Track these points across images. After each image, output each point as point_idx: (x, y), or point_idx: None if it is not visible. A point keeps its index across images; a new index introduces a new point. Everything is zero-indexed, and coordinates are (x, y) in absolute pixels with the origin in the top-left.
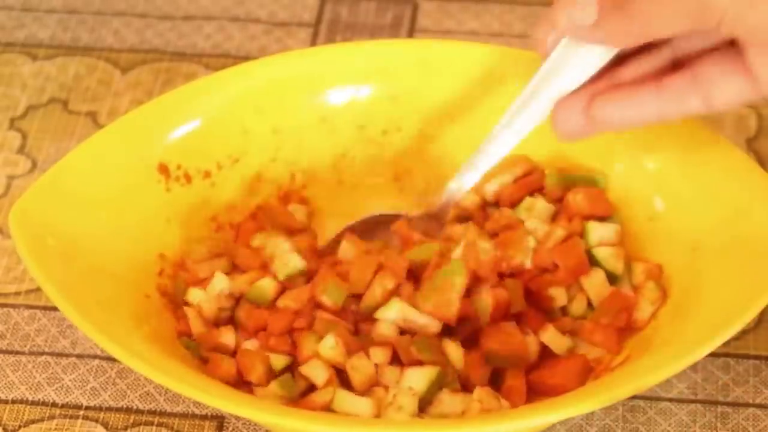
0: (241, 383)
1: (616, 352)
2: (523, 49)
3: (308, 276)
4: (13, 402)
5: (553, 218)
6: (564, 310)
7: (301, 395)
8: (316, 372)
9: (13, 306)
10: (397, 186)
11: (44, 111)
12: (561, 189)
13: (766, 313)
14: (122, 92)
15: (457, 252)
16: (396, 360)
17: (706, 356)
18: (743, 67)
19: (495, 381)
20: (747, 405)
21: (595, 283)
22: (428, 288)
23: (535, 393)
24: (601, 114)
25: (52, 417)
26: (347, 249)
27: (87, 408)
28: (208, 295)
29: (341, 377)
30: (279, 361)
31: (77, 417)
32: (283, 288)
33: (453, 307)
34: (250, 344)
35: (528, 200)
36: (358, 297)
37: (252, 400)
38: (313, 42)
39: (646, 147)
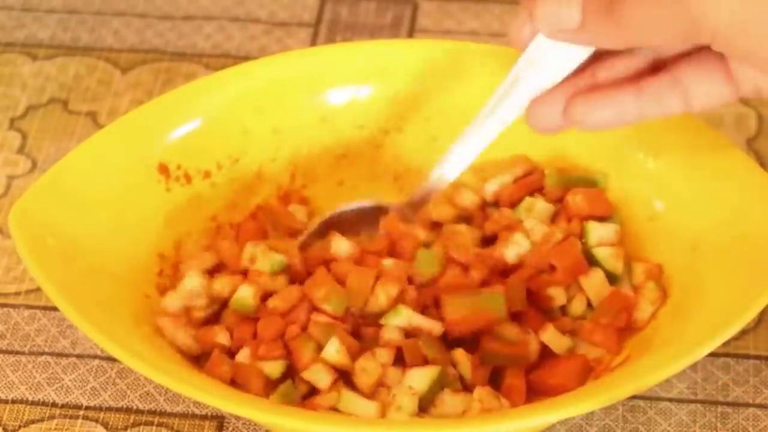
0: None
1: (616, 352)
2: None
3: (291, 275)
4: (13, 402)
5: (553, 219)
6: (563, 310)
7: (304, 397)
8: (318, 376)
9: (13, 306)
10: (396, 186)
11: (44, 111)
12: (561, 189)
13: (766, 313)
14: (122, 92)
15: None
16: (397, 361)
17: (706, 356)
18: (725, 70)
19: (495, 381)
20: (747, 405)
21: (594, 283)
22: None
23: (535, 393)
24: (580, 115)
25: (52, 417)
26: (340, 246)
27: (87, 408)
28: (179, 294)
29: (343, 378)
30: (275, 368)
31: (77, 417)
32: (265, 293)
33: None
34: (243, 355)
35: (528, 200)
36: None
37: (252, 400)
38: (313, 42)
39: (646, 147)
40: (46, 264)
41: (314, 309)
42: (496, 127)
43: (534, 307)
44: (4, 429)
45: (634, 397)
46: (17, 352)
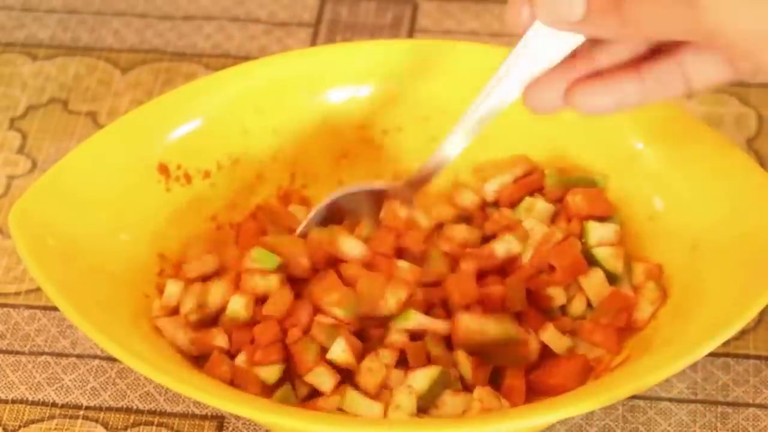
0: None
1: (616, 352)
2: None
3: (296, 271)
4: (13, 402)
5: (553, 219)
6: (563, 310)
7: (303, 401)
8: (321, 379)
9: (13, 306)
10: None
11: (44, 111)
12: (561, 189)
13: (766, 313)
14: (122, 92)
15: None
16: (400, 363)
17: (706, 356)
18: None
19: (495, 381)
20: (747, 405)
21: (594, 283)
22: None
23: (535, 393)
24: (582, 102)
25: (52, 417)
26: (350, 247)
27: (87, 408)
28: (163, 302)
29: (345, 381)
30: (271, 373)
31: (77, 417)
32: (258, 297)
33: None
34: (241, 360)
35: (528, 200)
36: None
37: (252, 400)
38: (313, 42)
39: (645, 147)
40: (46, 264)
41: (317, 311)
42: (496, 108)
43: (534, 307)
44: (4, 429)
45: (634, 397)
46: (17, 352)
